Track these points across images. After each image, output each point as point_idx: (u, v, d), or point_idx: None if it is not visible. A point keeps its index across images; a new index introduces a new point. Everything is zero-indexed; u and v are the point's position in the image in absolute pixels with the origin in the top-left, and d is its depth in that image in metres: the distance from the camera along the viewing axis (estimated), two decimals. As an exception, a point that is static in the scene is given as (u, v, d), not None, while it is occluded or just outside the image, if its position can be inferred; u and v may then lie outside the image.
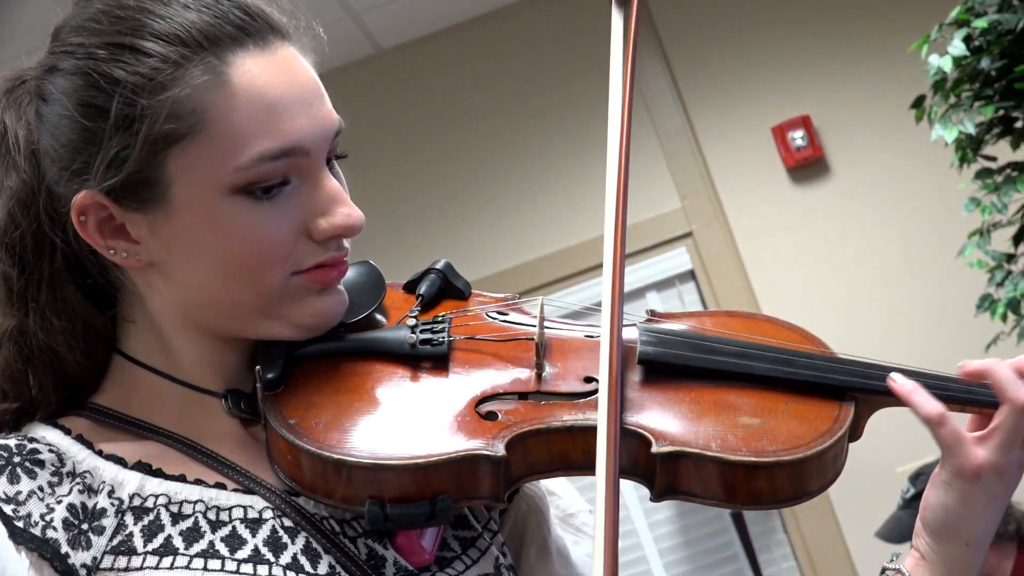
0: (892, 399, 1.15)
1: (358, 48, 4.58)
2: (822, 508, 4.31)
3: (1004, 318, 3.37)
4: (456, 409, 1.07)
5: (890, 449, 4.07)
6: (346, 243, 1.11)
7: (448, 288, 1.22)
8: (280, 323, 1.09)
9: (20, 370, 1.10)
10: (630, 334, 1.16)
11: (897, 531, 3.44)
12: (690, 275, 4.65)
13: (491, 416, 1.07)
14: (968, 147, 3.42)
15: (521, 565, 1.22)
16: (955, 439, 1.08)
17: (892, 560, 1.14)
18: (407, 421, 1.06)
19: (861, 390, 1.15)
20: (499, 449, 1.03)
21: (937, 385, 1.15)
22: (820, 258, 4.56)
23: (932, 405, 1.10)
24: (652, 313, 1.24)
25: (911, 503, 3.44)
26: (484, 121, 4.77)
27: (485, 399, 1.09)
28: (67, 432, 1.09)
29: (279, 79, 1.05)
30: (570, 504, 1.27)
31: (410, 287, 1.23)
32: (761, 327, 1.23)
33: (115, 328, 1.14)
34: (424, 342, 1.11)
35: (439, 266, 1.23)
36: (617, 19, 1.21)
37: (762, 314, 1.27)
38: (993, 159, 3.46)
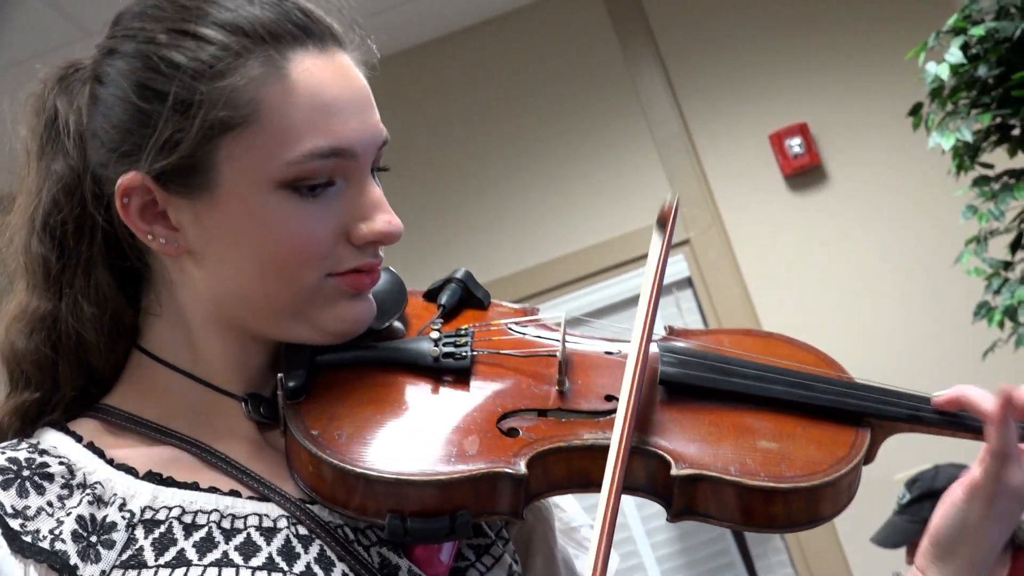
0: (907, 424, 1.16)
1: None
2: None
3: (1001, 325, 3.37)
4: (478, 424, 1.08)
5: (887, 456, 4.05)
6: (381, 251, 1.12)
7: (469, 298, 1.23)
8: (307, 326, 1.09)
9: (48, 356, 1.11)
10: (651, 351, 1.16)
11: (893, 537, 3.44)
12: (687, 282, 4.65)
13: (512, 433, 1.07)
14: (965, 155, 3.42)
15: (527, 574, 1.22)
16: (1004, 469, 1.10)
17: None
18: (429, 435, 1.06)
19: (877, 416, 1.16)
20: (521, 468, 1.04)
21: (952, 414, 1.16)
22: (817, 265, 4.56)
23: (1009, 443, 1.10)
24: (671, 329, 1.25)
25: (907, 508, 3.44)
26: (505, 121, 4.76)
27: (506, 415, 1.09)
28: (78, 439, 1.08)
29: (335, 81, 1.06)
30: (573, 517, 1.28)
31: (430, 296, 1.24)
32: (777, 347, 1.25)
33: (138, 323, 1.14)
34: (447, 355, 1.12)
35: (459, 275, 1.24)
36: (656, 239, 1.23)
37: (778, 334, 1.29)
38: (990, 167, 3.47)
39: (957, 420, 1.15)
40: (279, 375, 1.09)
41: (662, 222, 1.24)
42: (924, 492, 3.39)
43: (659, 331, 1.23)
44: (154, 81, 1.04)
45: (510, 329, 1.20)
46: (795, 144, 4.54)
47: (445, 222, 4.73)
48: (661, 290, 1.17)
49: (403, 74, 4.74)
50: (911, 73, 3.69)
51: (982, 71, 3.31)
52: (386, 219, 1.08)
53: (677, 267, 4.63)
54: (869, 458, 1.15)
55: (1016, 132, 3.43)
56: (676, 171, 4.64)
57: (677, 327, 1.26)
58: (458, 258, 4.69)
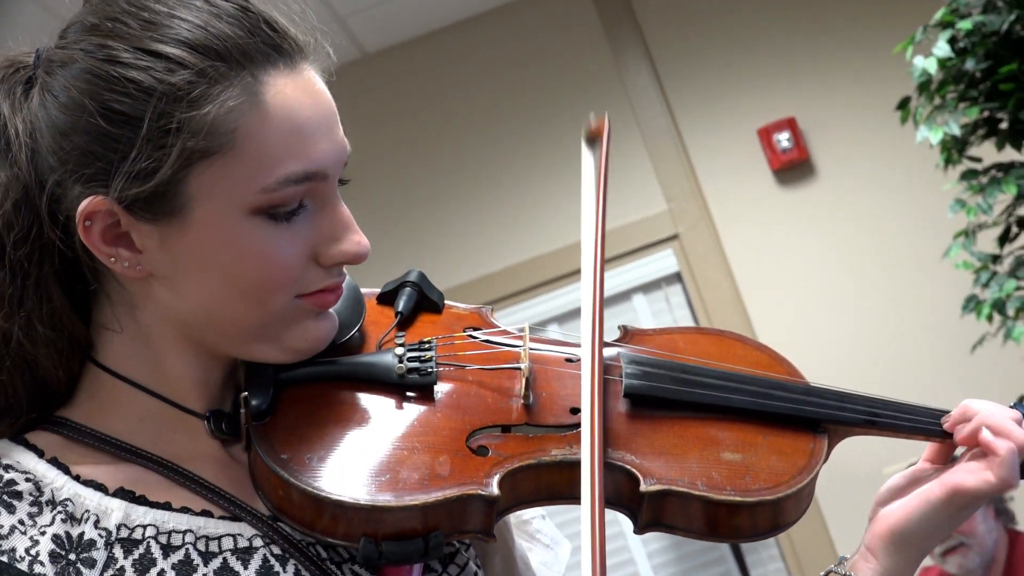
0: (862, 428, 1.18)
1: (344, 53, 4.59)
2: (810, 509, 4.31)
3: (990, 319, 3.38)
4: (447, 444, 1.07)
5: (876, 450, 4.07)
6: (345, 268, 1.11)
7: (423, 300, 1.22)
8: (272, 346, 1.08)
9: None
10: (612, 359, 1.17)
11: None
12: (676, 277, 4.65)
13: (482, 451, 1.07)
14: (953, 148, 3.43)
15: (486, 572, 1.22)
16: (997, 491, 1.12)
17: (841, 563, 1.17)
18: (400, 458, 1.05)
19: (834, 421, 1.18)
20: (493, 490, 1.04)
21: (911, 418, 1.19)
22: (806, 259, 4.57)
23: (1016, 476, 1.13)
24: (624, 330, 1.25)
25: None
26: (466, 125, 4.76)
27: (475, 432, 1.09)
28: (40, 454, 1.05)
29: (307, 101, 1.04)
30: (523, 511, 1.27)
31: (385, 299, 1.22)
32: (732, 347, 1.26)
33: (91, 337, 1.10)
34: (412, 371, 1.11)
35: (413, 278, 1.23)
36: (588, 156, 1.22)
37: (730, 332, 1.30)
38: (978, 160, 3.48)
39: (912, 424, 1.18)
40: (242, 394, 1.07)
41: (593, 139, 1.24)
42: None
43: (612, 331, 1.23)
44: (122, 104, 1.00)
45: (472, 338, 1.19)
46: (783, 139, 4.54)
47: (412, 222, 4.72)
48: (605, 225, 1.16)
49: (387, 72, 4.74)
50: (899, 67, 3.69)
51: (970, 65, 3.32)
52: (355, 240, 1.07)
53: (666, 262, 4.63)
54: (825, 459, 1.17)
55: (1004, 125, 3.43)
56: (664, 166, 4.64)
57: (631, 327, 1.26)
58: (443, 259, 4.68)
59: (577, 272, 4.42)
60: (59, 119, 1.03)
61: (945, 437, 1.17)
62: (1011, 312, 3.34)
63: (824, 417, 1.17)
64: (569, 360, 1.18)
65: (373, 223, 4.61)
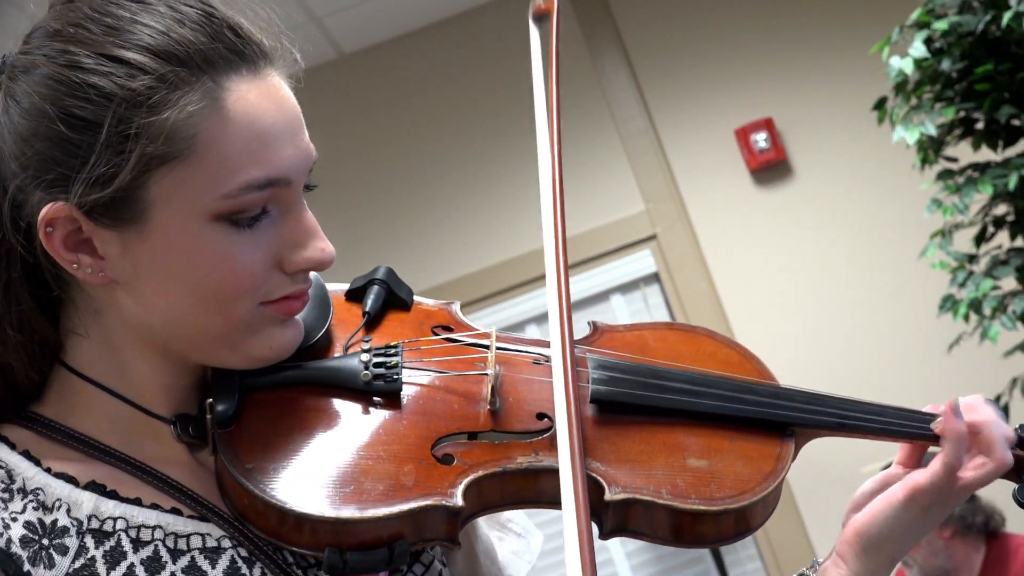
0: (832, 431, 1.18)
1: (321, 53, 4.58)
2: (787, 508, 4.33)
3: (966, 318, 3.39)
4: (412, 452, 1.07)
5: (853, 450, 4.08)
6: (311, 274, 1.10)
7: (391, 298, 1.21)
8: (235, 353, 1.07)
9: None
10: (579, 363, 1.16)
11: None
12: (654, 278, 4.65)
13: (447, 460, 1.07)
14: (930, 148, 3.44)
15: (449, 568, 1.21)
16: (951, 483, 1.13)
17: (813, 567, 1.18)
18: (365, 469, 1.05)
19: (802, 424, 1.17)
20: (458, 500, 1.04)
21: (881, 420, 1.19)
22: (783, 259, 4.58)
23: (962, 458, 1.14)
24: (594, 326, 1.25)
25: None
26: (430, 130, 4.75)
27: (440, 440, 1.08)
28: (12, 447, 1.05)
29: (270, 107, 1.03)
30: None
31: (353, 296, 1.21)
32: (702, 344, 1.25)
33: (60, 338, 1.10)
34: (377, 377, 1.10)
35: (381, 275, 1.21)
36: (535, 34, 1.21)
37: (701, 328, 1.29)
38: (954, 160, 3.49)
39: (882, 426, 1.18)
40: (208, 400, 1.07)
41: (540, 17, 1.23)
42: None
43: (582, 328, 1.22)
44: (82, 110, 0.99)
45: (441, 340, 1.18)
46: (760, 139, 4.55)
47: (381, 225, 4.72)
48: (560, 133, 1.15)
49: (365, 72, 4.73)
50: (875, 68, 3.70)
51: (946, 65, 3.33)
52: (320, 246, 1.06)
53: (644, 263, 4.64)
54: (792, 460, 1.17)
55: (980, 126, 3.45)
56: (642, 167, 4.65)
57: (600, 324, 1.25)
58: (413, 259, 4.67)
59: (541, 278, 4.42)
60: (21, 125, 1.02)
61: (915, 439, 1.17)
62: (987, 311, 3.36)
63: (792, 420, 1.17)
64: (537, 362, 1.17)
65: (344, 223, 4.61)
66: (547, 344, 1.17)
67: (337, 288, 1.21)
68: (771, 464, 1.13)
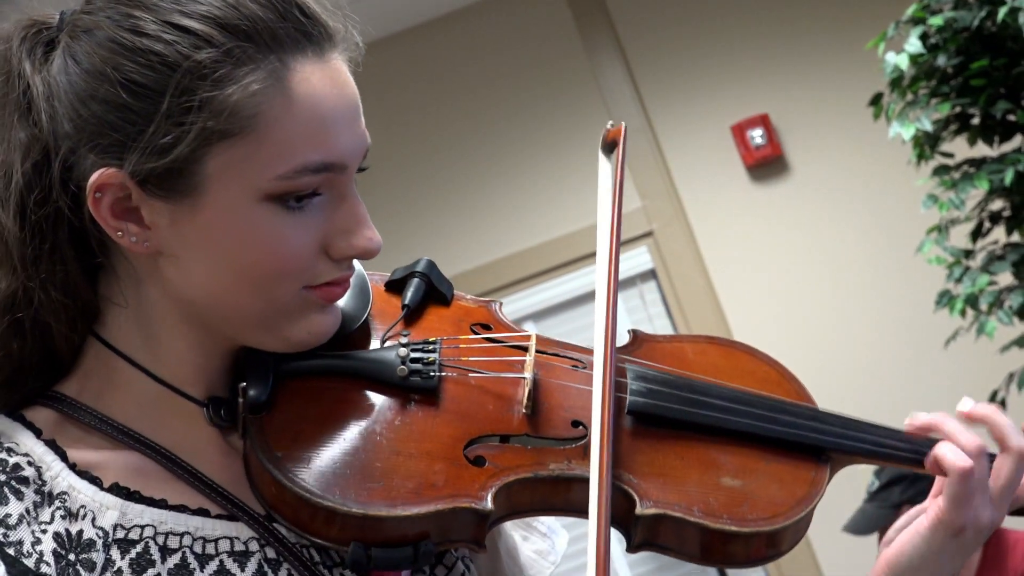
0: (864, 459, 1.17)
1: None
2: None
3: (963, 314, 3.39)
4: (444, 452, 1.06)
5: (862, 467, 4.08)
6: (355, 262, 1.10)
7: (432, 292, 1.19)
8: (273, 335, 1.06)
9: (12, 340, 1.05)
10: (618, 373, 1.15)
11: (864, 524, 3.47)
12: (651, 274, 4.65)
13: (479, 461, 1.06)
14: (925, 144, 3.43)
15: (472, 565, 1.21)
16: (970, 494, 1.10)
17: None
18: (396, 464, 1.04)
19: (839, 450, 1.16)
20: (487, 504, 1.03)
21: (916, 449, 1.16)
22: (780, 256, 4.58)
23: (964, 460, 1.11)
24: (634, 335, 1.23)
25: (877, 495, 3.46)
26: (466, 115, 4.75)
27: (472, 441, 1.07)
28: (37, 433, 1.04)
29: (332, 91, 1.02)
30: None
31: (393, 287, 1.20)
32: (741, 360, 1.24)
33: (99, 308, 1.08)
34: (414, 372, 1.09)
35: (422, 268, 1.20)
36: (605, 164, 1.21)
37: (741, 344, 1.27)
38: (950, 156, 3.49)
39: (918, 456, 1.15)
40: (241, 384, 1.06)
41: (610, 146, 1.22)
42: (893, 478, 3.41)
43: (623, 335, 1.21)
44: (144, 77, 0.98)
45: (479, 339, 1.17)
46: (757, 135, 4.55)
47: (405, 218, 4.71)
48: (620, 243, 1.16)
49: (380, 64, 4.72)
50: (871, 63, 3.70)
51: (941, 60, 3.32)
52: (368, 235, 1.05)
53: (640, 259, 4.63)
54: (826, 486, 1.15)
55: (976, 121, 3.45)
56: (638, 163, 4.64)
57: (640, 332, 1.24)
58: (419, 252, 4.67)
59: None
60: (79, 85, 1.01)
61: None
62: (984, 307, 3.35)
63: (829, 446, 1.15)
64: (575, 367, 1.16)
65: (378, 210, 4.56)
66: (587, 351, 1.17)
67: (377, 277, 1.20)
68: (805, 488, 1.12)
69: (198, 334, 1.07)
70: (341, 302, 1.10)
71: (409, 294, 1.18)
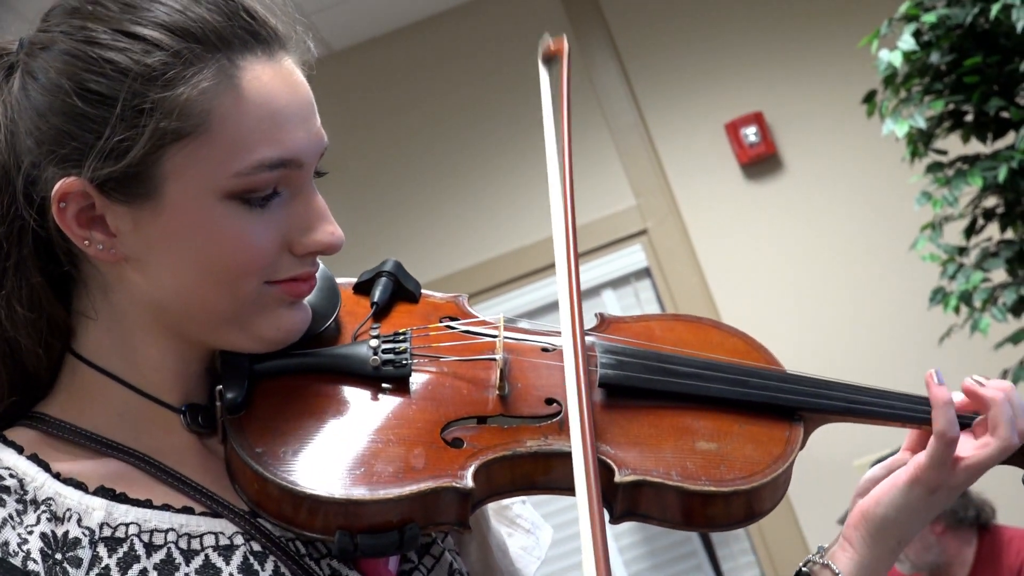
0: (840, 416, 1.19)
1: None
2: (780, 503, 4.33)
3: (957, 310, 3.40)
4: (422, 436, 1.07)
5: (846, 443, 4.09)
6: (318, 258, 1.11)
7: (399, 290, 1.22)
8: (244, 334, 1.07)
9: None
10: (587, 348, 1.16)
11: None
12: (645, 272, 4.66)
13: (457, 443, 1.07)
14: (919, 141, 3.44)
15: (463, 560, 1.22)
16: (949, 457, 1.13)
17: (820, 552, 1.18)
18: (375, 451, 1.06)
19: (810, 409, 1.18)
20: (468, 482, 1.04)
21: (887, 404, 1.19)
22: (774, 253, 4.58)
23: (953, 425, 1.14)
24: (601, 317, 1.25)
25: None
26: (435, 122, 4.76)
27: (449, 424, 1.09)
28: (19, 450, 1.05)
29: (284, 89, 1.05)
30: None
31: (361, 289, 1.22)
32: (708, 334, 1.26)
33: (71, 324, 1.10)
34: (387, 363, 1.11)
35: (389, 268, 1.22)
36: (544, 75, 1.22)
37: (707, 319, 1.30)
38: (944, 153, 3.49)
39: (890, 411, 1.18)
40: (217, 387, 1.07)
41: (550, 59, 1.24)
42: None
43: (589, 319, 1.23)
44: (98, 84, 1.00)
45: (448, 328, 1.19)
46: (750, 133, 4.55)
47: (388, 219, 4.72)
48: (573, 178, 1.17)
49: (356, 69, 4.72)
50: (864, 61, 3.71)
51: (934, 58, 3.33)
52: (329, 230, 1.07)
53: (635, 257, 4.64)
54: (801, 447, 1.17)
55: (969, 118, 3.45)
56: (632, 162, 4.65)
57: (607, 315, 1.26)
58: (416, 254, 4.67)
59: (548, 268, 4.48)
60: (37, 100, 1.03)
61: (920, 423, 1.18)
62: (978, 304, 3.36)
63: (800, 405, 1.17)
64: (545, 350, 1.18)
65: (347, 219, 4.58)
66: (554, 333, 1.19)
67: (345, 282, 1.22)
68: (780, 447, 1.14)
69: (171, 340, 1.09)
70: (311, 301, 1.12)
71: (377, 292, 1.20)
